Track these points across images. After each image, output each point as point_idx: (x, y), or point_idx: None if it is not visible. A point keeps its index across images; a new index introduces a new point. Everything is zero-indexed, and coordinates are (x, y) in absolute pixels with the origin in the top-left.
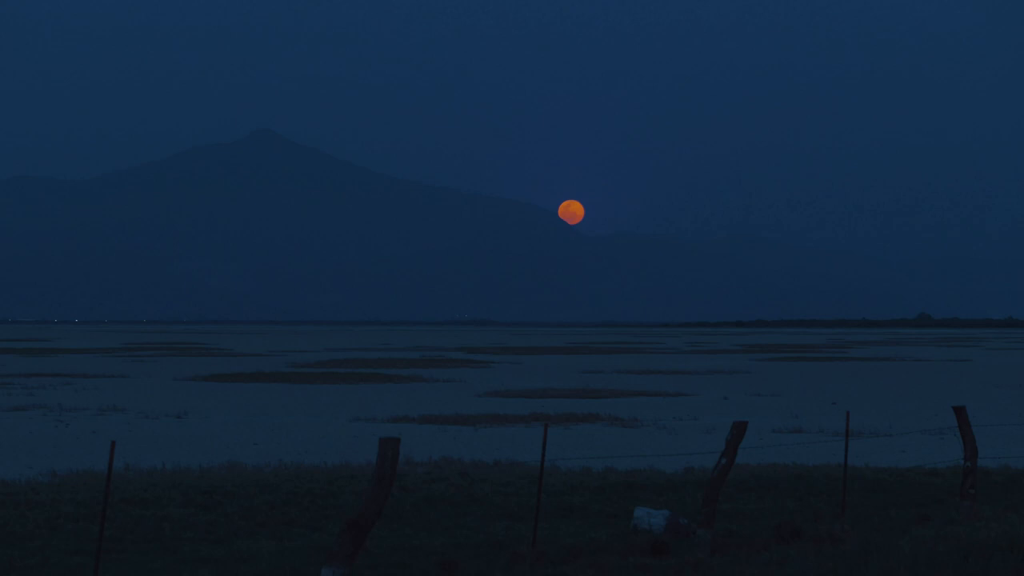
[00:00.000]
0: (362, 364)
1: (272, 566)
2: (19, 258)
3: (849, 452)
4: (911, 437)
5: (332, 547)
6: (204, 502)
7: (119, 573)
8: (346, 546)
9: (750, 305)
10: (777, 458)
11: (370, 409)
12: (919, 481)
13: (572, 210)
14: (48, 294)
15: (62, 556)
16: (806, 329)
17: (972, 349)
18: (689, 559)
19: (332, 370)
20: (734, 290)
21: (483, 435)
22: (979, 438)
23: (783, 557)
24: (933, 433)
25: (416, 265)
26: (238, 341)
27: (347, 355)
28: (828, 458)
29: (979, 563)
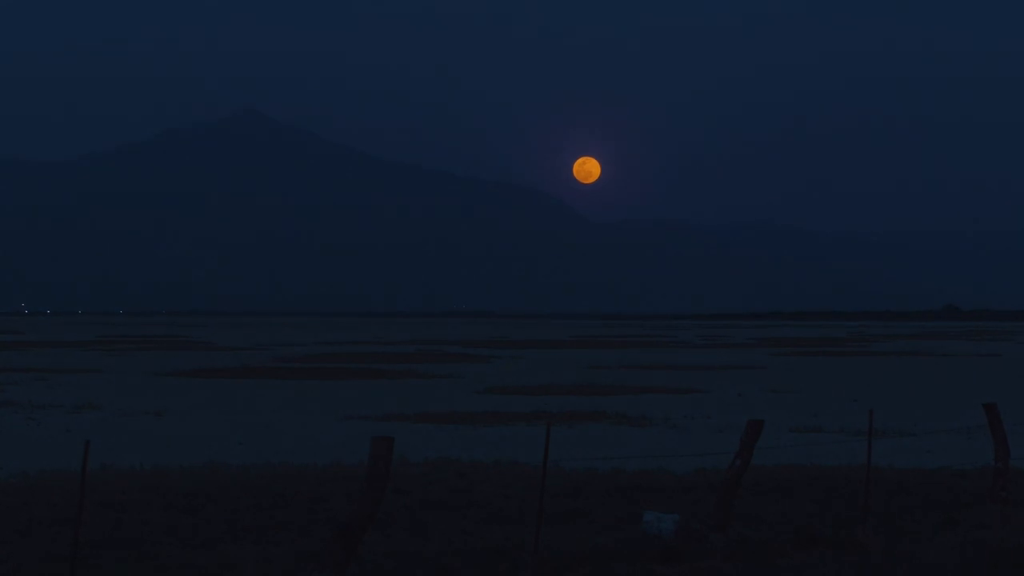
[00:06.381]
0: (354, 358)
1: (258, 573)
2: None
3: (872, 452)
4: (938, 436)
5: (323, 553)
6: (185, 505)
7: None
8: (337, 552)
9: (766, 296)
10: (795, 459)
11: (362, 406)
12: (946, 483)
13: (587, 168)
14: (18, 283)
15: (35, 563)
16: (826, 322)
17: (1003, 343)
18: (701, 566)
19: (322, 365)
20: (749, 280)
21: (482, 434)
22: (1011, 437)
23: (802, 564)
24: (961, 432)
25: (412, 253)
26: (221, 334)
27: (338, 349)
28: (849, 459)
29: (1010, 571)
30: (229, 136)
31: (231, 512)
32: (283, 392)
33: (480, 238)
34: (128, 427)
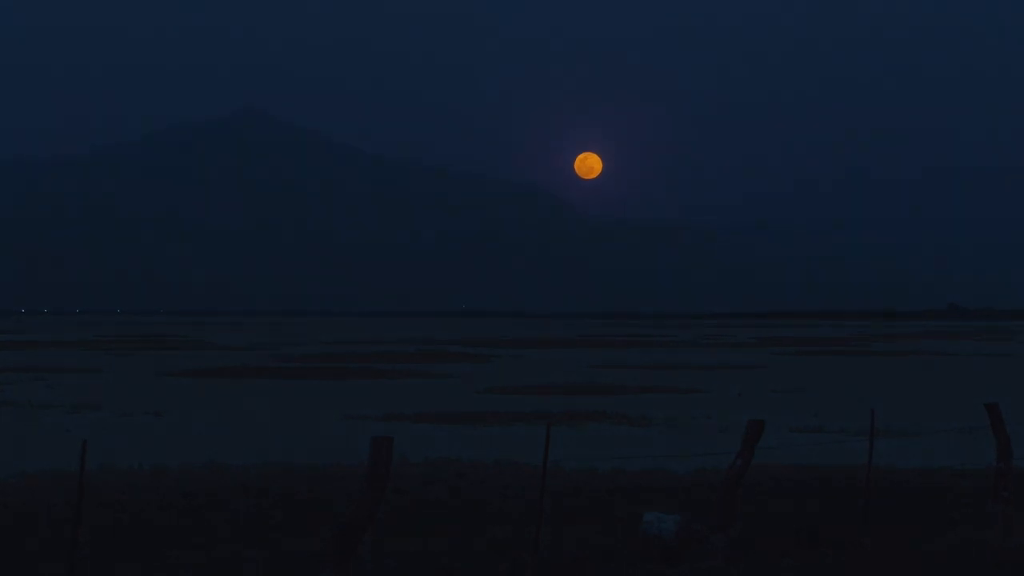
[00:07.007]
0: (353, 358)
1: (258, 573)
2: None
3: (873, 452)
4: (939, 436)
5: (323, 553)
6: (185, 505)
7: None
8: (337, 552)
9: (767, 295)
10: (796, 459)
11: (362, 406)
12: (948, 483)
13: (589, 163)
14: (15, 282)
15: (34, 563)
16: (827, 321)
17: (1007, 343)
18: (702, 567)
19: (322, 365)
20: (750, 279)
21: (482, 434)
22: (1014, 438)
23: (803, 564)
24: (963, 432)
25: (411, 252)
26: (221, 333)
27: (337, 348)
28: (850, 459)
29: (1011, 572)
30: (228, 135)
31: (230, 512)
32: (283, 392)
33: (480, 236)
34: (127, 427)
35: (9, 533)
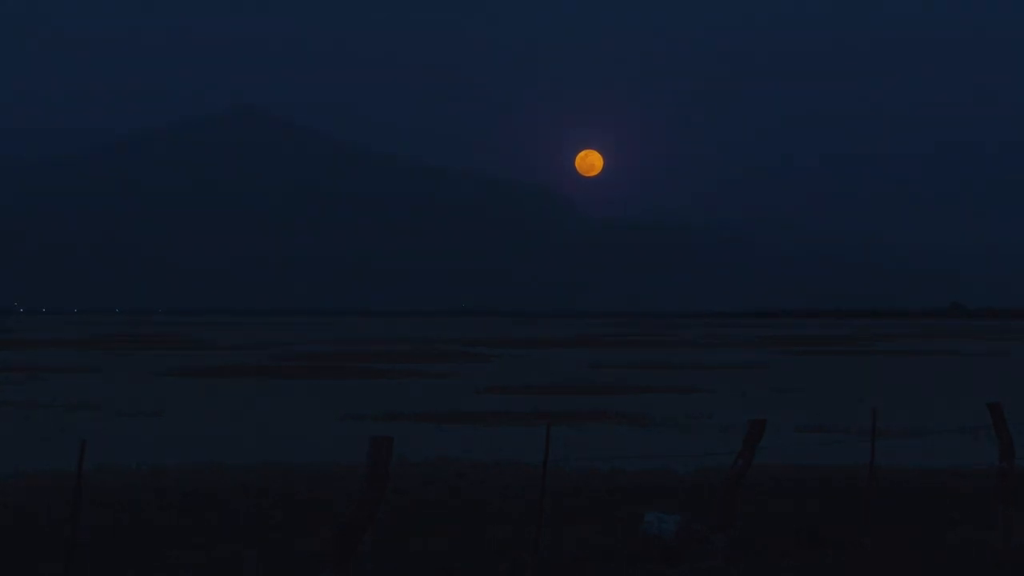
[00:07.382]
0: (352, 357)
1: (258, 573)
2: None
3: (875, 452)
4: (942, 436)
5: (323, 553)
6: (183, 505)
7: None
8: (337, 552)
9: (769, 294)
10: (798, 459)
11: (361, 406)
12: (949, 484)
13: (590, 161)
14: (15, 282)
15: (34, 563)
16: (829, 320)
17: (1010, 342)
18: (702, 567)
19: (321, 364)
20: (751, 278)
21: (482, 434)
22: (1016, 438)
23: (803, 564)
24: (966, 432)
25: (410, 251)
26: (219, 332)
27: (336, 348)
28: (852, 459)
29: (1012, 572)
30: (225, 133)
31: (230, 512)
32: (283, 392)
33: (480, 235)
34: (126, 427)
35: (9, 533)
